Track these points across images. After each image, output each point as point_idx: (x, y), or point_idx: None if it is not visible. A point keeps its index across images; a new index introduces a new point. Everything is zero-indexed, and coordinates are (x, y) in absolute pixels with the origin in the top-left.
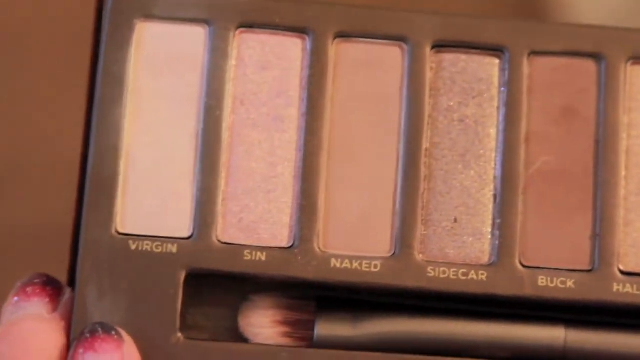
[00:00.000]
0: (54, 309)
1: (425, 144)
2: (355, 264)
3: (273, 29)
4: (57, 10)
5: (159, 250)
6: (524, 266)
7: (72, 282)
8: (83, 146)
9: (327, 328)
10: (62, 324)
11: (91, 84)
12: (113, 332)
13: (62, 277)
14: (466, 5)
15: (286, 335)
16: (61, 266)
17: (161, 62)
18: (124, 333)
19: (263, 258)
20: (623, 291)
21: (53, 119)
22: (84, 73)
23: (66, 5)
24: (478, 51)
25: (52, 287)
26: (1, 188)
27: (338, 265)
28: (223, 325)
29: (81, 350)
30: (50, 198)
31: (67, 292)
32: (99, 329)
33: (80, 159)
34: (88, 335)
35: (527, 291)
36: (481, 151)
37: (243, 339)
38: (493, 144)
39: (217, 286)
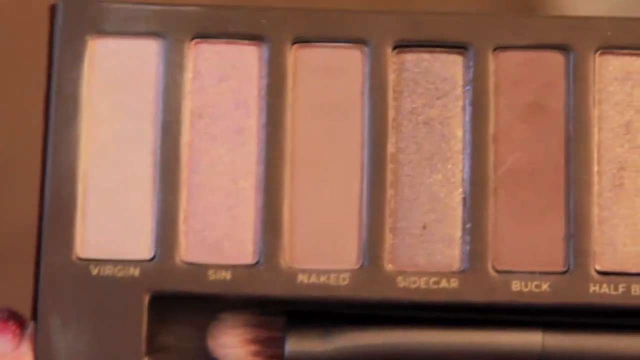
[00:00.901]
0: (18, 345)
1: (390, 149)
2: (323, 278)
3: (229, 38)
4: (11, 27)
5: (121, 275)
6: (496, 271)
7: (36, 307)
8: (41, 167)
9: (297, 344)
10: (27, 358)
11: (47, 103)
12: None
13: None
14: (457, 4)
15: (257, 354)
16: (25, 274)
17: (115, 79)
18: None
19: (228, 277)
20: (600, 292)
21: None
22: (41, 90)
23: (21, 22)
24: (441, 49)
25: (14, 322)
26: None
27: (305, 280)
28: (193, 346)
29: None
30: (12, 206)
31: (31, 324)
32: None
33: (39, 178)
34: None
35: (501, 297)
36: (448, 154)
37: None
38: (460, 145)
39: (184, 306)
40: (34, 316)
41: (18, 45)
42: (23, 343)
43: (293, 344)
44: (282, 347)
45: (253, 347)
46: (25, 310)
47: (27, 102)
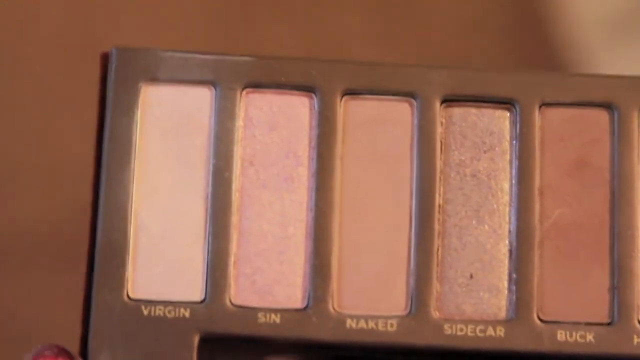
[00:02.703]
0: None
1: (438, 200)
2: (371, 324)
3: (280, 88)
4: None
5: (172, 315)
6: (542, 321)
7: (84, 349)
8: (92, 212)
9: None
10: None
11: (98, 150)
12: None
13: (76, 292)
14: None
15: None
16: (74, 273)
17: (168, 125)
18: None
19: (277, 320)
20: None
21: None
22: (91, 138)
23: (73, 68)
24: (488, 104)
25: (63, 358)
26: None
27: (354, 325)
28: None
29: None
30: (57, 204)
31: None
32: None
33: (90, 223)
34: None
35: (547, 346)
36: (495, 206)
37: None
38: (507, 198)
39: (233, 348)
40: (83, 354)
41: (69, 94)
42: None
43: None
44: None
45: None
46: (74, 349)
47: (78, 150)
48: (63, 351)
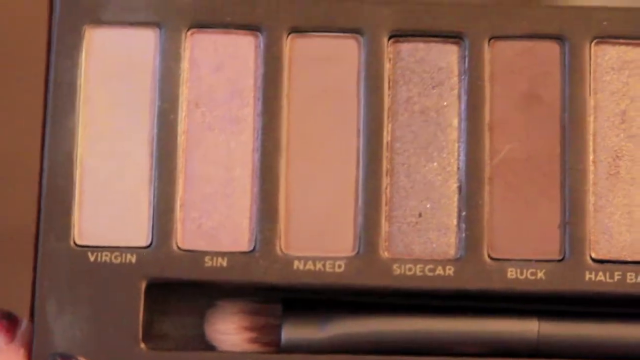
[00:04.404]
0: (11, 340)
1: (386, 138)
2: (319, 265)
3: (225, 28)
4: (9, 18)
5: (118, 261)
6: (492, 259)
7: (34, 295)
8: (40, 157)
9: (293, 332)
10: (21, 351)
11: (46, 93)
12: None
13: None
14: None
15: (253, 340)
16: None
17: (112, 68)
18: None
19: (224, 264)
20: (595, 280)
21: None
22: (40, 81)
23: (18, 13)
24: (436, 39)
25: (7, 321)
26: None
27: (301, 267)
28: (190, 333)
29: None
30: (9, 202)
31: (25, 322)
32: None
33: (39, 168)
34: None
35: (497, 284)
36: (444, 142)
37: (210, 347)
38: (456, 134)
39: (183, 293)
40: (32, 316)
41: (17, 37)
42: (17, 338)
43: (289, 332)
44: (278, 334)
45: (249, 334)
46: (24, 309)
47: (26, 94)
48: (6, 314)
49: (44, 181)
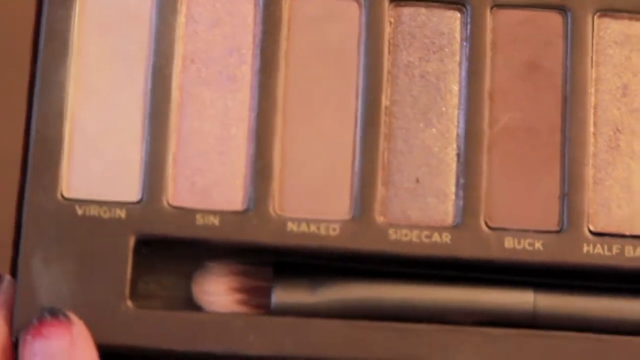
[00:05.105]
0: None
1: (384, 102)
2: (313, 227)
3: None
4: None
5: (107, 216)
6: (489, 227)
7: (17, 250)
8: (27, 108)
9: (284, 295)
10: (2, 311)
11: (34, 43)
12: (61, 316)
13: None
14: None
15: (242, 302)
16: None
17: (107, 20)
18: (72, 316)
19: (216, 222)
20: (593, 252)
21: None
22: (27, 32)
23: None
24: (438, 4)
25: None
26: None
27: (295, 228)
28: (177, 294)
29: (29, 337)
30: None
31: (7, 279)
32: (46, 314)
33: (24, 121)
34: (35, 322)
35: (494, 253)
36: (443, 108)
37: (198, 308)
38: (456, 100)
39: (170, 253)
40: (15, 257)
41: None
42: None
43: (280, 295)
44: (269, 297)
45: (239, 296)
46: (4, 265)
47: (14, 42)
48: None
49: (32, 132)
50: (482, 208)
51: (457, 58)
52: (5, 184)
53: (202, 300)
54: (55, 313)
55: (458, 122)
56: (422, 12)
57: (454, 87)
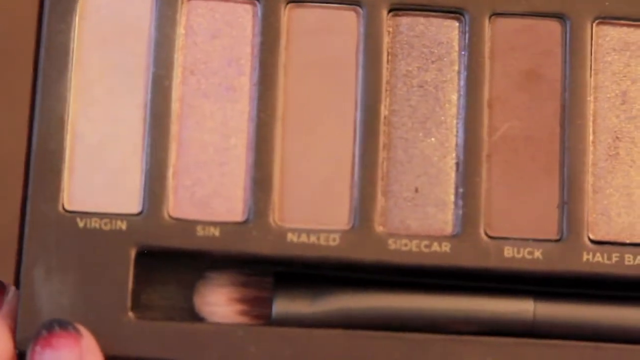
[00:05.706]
0: None
1: (383, 112)
2: (313, 238)
3: None
4: None
5: (108, 228)
6: (489, 237)
7: (19, 262)
8: (29, 120)
9: (285, 305)
10: (7, 321)
11: (35, 56)
12: (70, 328)
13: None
14: None
15: (243, 313)
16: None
17: (107, 32)
18: (82, 328)
19: (217, 233)
20: (593, 261)
21: None
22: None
23: None
24: (437, 14)
25: None
26: None
27: (295, 239)
28: (179, 304)
29: (38, 348)
30: None
31: (11, 291)
32: (56, 326)
33: (27, 133)
34: (45, 333)
35: (493, 262)
36: (442, 118)
37: (199, 318)
38: (454, 110)
39: (172, 264)
40: (17, 283)
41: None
42: (4, 307)
43: (280, 305)
44: (269, 307)
45: (240, 307)
46: (9, 276)
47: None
48: None
49: (34, 145)
50: (482, 217)
51: (456, 67)
52: (9, 195)
53: (203, 310)
54: (64, 325)
55: (457, 132)
56: (420, 22)
57: (453, 97)
